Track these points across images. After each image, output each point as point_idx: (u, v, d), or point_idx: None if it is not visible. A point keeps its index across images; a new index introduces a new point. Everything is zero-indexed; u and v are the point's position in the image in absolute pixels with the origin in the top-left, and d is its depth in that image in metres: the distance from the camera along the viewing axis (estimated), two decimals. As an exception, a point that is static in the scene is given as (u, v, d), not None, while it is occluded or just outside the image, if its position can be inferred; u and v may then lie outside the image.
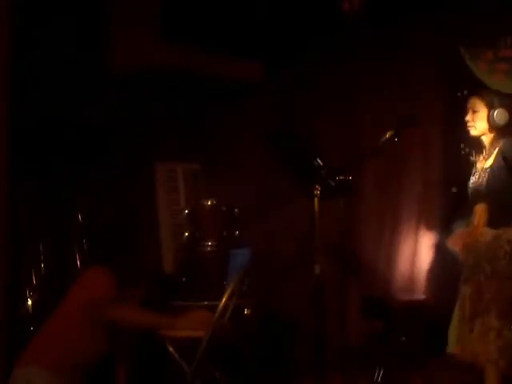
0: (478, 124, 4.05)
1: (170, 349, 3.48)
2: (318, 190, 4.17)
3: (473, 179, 4.11)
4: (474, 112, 4.05)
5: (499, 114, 4.00)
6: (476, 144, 4.16)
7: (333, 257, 4.97)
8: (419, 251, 5.36)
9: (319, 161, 4.69)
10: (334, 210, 4.52)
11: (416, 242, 5.37)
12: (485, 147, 4.10)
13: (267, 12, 5.45)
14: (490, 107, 4.02)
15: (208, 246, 4.67)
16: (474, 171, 4.14)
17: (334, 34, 5.33)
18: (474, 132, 4.09)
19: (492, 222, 3.94)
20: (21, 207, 4.80)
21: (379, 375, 4.70)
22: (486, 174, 4.00)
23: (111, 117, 5.29)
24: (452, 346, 4.04)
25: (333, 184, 4.40)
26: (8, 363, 3.65)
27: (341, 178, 4.33)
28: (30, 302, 4.82)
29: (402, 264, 5.36)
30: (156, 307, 3.47)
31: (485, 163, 4.06)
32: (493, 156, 4.02)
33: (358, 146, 5.19)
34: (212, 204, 4.77)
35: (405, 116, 4.14)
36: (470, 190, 4.13)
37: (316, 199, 4.16)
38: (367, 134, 5.17)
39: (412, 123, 4.14)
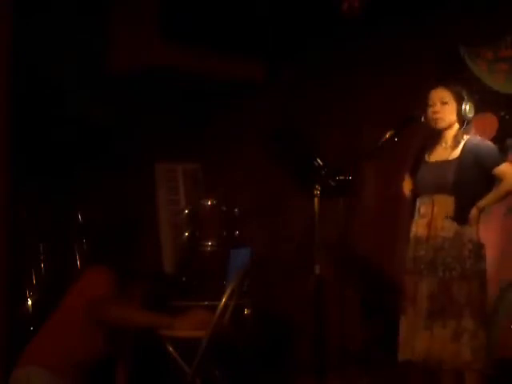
0: (447, 116, 3.97)
1: (170, 349, 3.48)
2: (317, 189, 4.17)
3: (429, 170, 4.01)
4: (443, 104, 3.96)
5: (470, 107, 3.97)
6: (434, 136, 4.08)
7: (333, 257, 4.97)
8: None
9: (319, 161, 4.70)
10: (334, 210, 4.52)
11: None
12: (445, 139, 4.02)
13: (267, 12, 5.45)
14: (460, 99, 3.97)
15: (208, 245, 4.68)
16: (427, 162, 4.05)
17: (334, 34, 5.32)
18: (442, 124, 3.99)
19: (454, 216, 3.88)
20: (21, 207, 4.80)
21: (379, 375, 4.70)
22: (453, 166, 3.92)
23: (111, 117, 5.29)
24: (407, 349, 3.93)
25: (333, 184, 4.40)
26: (8, 363, 3.65)
27: (341, 178, 4.33)
28: (30, 302, 4.82)
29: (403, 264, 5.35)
30: (156, 307, 3.47)
31: (449, 155, 3.98)
32: (459, 148, 3.95)
33: (357, 145, 5.18)
34: (212, 204, 4.77)
35: (405, 116, 4.14)
36: (422, 180, 4.02)
37: (316, 199, 4.17)
38: (367, 133, 5.16)
39: (412, 123, 4.13)
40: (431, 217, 3.94)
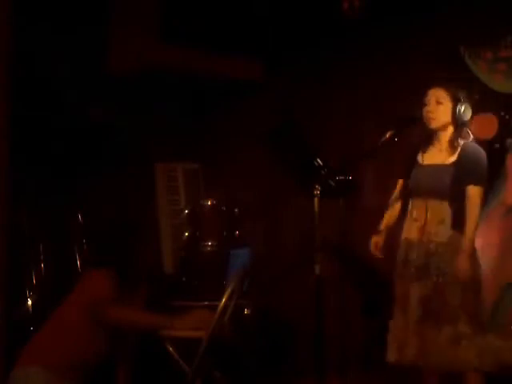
0: (441, 116, 3.90)
1: (170, 349, 3.48)
2: (317, 189, 4.17)
3: (423, 173, 3.94)
4: (438, 103, 3.89)
5: (466, 110, 3.88)
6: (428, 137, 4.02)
7: (333, 257, 4.97)
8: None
9: (319, 161, 4.70)
10: (334, 210, 4.52)
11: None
12: (439, 141, 3.95)
13: (267, 11, 5.45)
14: (456, 101, 3.89)
15: (208, 245, 4.68)
16: (421, 164, 3.98)
17: (334, 34, 5.33)
18: (434, 124, 3.92)
19: (450, 222, 3.82)
20: (21, 207, 4.80)
21: (379, 375, 4.70)
22: (451, 171, 3.85)
23: (111, 117, 5.29)
24: (394, 353, 3.92)
25: (333, 184, 4.40)
26: (8, 363, 3.65)
27: (341, 178, 4.33)
28: (29, 302, 4.82)
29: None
30: (156, 307, 3.47)
31: (445, 159, 3.91)
32: (456, 153, 3.87)
33: (357, 145, 5.18)
34: (212, 204, 4.77)
35: (405, 116, 4.13)
36: (415, 183, 3.95)
37: (316, 199, 4.16)
38: (367, 133, 5.17)
39: (412, 123, 4.12)
40: (424, 221, 3.87)
